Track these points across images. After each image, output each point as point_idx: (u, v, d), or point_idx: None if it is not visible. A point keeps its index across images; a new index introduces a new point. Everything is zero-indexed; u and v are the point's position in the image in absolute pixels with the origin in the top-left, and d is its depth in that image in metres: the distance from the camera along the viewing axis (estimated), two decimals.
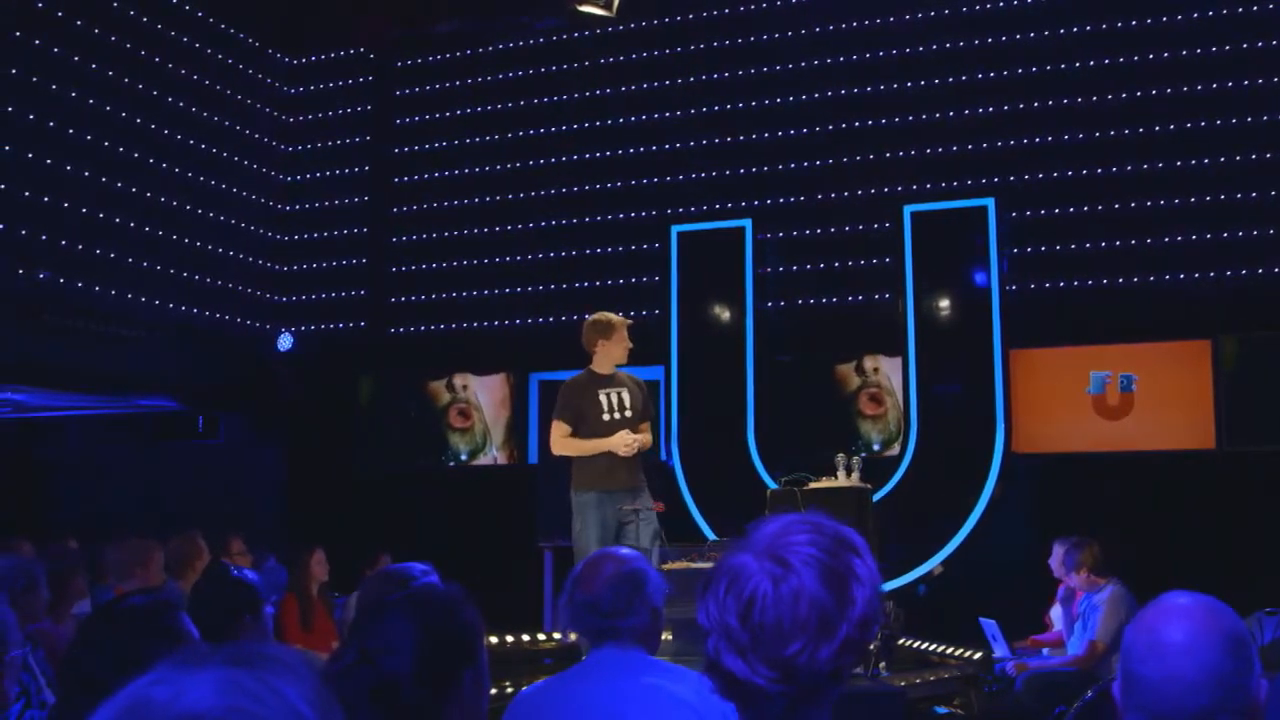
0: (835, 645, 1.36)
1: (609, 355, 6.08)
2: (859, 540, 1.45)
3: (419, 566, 2.92)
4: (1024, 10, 10.18)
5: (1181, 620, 1.60)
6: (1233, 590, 2.31)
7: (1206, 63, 9.56)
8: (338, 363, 11.81)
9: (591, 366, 6.12)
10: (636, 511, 5.87)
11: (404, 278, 12.09)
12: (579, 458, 5.99)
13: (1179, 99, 9.62)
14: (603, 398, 6.01)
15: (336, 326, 12.22)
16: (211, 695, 0.81)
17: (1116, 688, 1.63)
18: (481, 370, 11.37)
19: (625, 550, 2.84)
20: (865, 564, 1.42)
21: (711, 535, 8.74)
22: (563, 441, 6.02)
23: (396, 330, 12.00)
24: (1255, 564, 8.16)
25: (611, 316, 6.18)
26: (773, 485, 8.24)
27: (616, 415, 5.98)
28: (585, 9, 10.07)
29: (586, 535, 5.82)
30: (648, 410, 6.19)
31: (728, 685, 1.40)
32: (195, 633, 2.07)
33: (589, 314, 6.31)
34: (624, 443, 5.87)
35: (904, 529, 8.67)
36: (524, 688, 2.75)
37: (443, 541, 10.33)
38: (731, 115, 10.97)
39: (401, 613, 1.94)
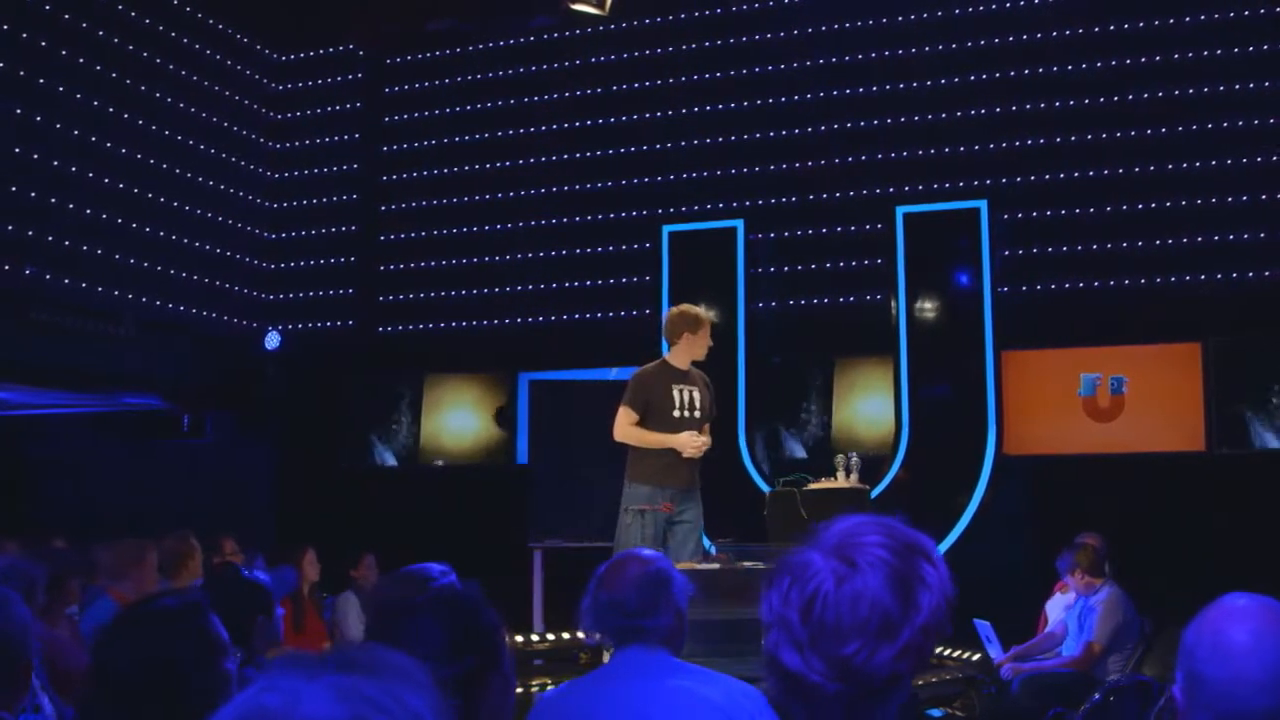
0: (895, 649, 1.35)
1: (690, 350, 5.89)
2: (932, 546, 1.44)
3: (437, 567, 2.88)
4: (1018, 12, 10.20)
5: (1245, 621, 1.60)
6: (1223, 593, 2.29)
7: (1198, 66, 9.60)
8: (326, 361, 11.73)
9: (668, 359, 5.92)
10: (682, 511, 5.78)
11: (393, 276, 12.02)
12: (639, 449, 5.80)
13: (1171, 102, 9.65)
14: (676, 394, 5.83)
15: (325, 325, 12.14)
16: (330, 702, 0.77)
17: (1178, 689, 1.63)
18: (469, 370, 11.32)
19: (649, 551, 2.82)
20: (936, 571, 1.41)
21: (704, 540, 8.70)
22: (628, 429, 5.80)
23: (385, 329, 11.93)
24: (1245, 567, 8.17)
25: (700, 312, 5.98)
26: (764, 487, 8.22)
27: (686, 414, 5.81)
28: (578, 7, 10.03)
29: (631, 533, 5.67)
30: (713, 412, 6.04)
31: (784, 682, 1.38)
32: (225, 635, 2.03)
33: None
34: (691, 444, 5.71)
35: None
36: (533, 690, 2.72)
37: (431, 542, 10.22)
38: (724, 115, 10.95)
39: (429, 614, 1.91)
